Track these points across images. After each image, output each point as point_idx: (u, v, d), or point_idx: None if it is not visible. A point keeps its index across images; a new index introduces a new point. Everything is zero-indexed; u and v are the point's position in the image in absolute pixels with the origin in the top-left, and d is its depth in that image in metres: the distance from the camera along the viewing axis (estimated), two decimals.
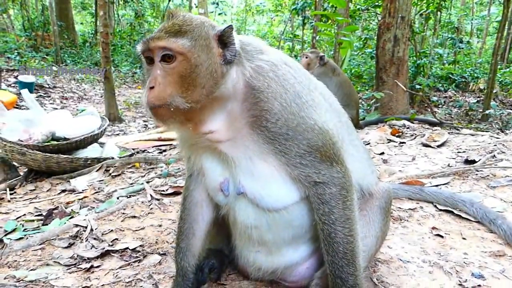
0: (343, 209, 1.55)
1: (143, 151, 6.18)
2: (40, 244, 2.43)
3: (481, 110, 12.27)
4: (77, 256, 2.26)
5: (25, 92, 5.37)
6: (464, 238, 2.38)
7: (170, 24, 1.49)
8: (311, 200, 1.57)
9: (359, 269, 1.60)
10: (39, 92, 12.22)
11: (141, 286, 1.94)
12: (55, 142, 4.93)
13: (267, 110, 1.49)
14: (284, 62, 1.63)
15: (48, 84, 13.38)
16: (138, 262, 2.20)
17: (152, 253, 2.31)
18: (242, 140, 1.54)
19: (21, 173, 4.91)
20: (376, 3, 16.04)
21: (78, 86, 14.66)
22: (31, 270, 2.12)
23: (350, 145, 1.78)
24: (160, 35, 1.45)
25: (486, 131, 6.24)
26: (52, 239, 2.48)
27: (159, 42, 1.43)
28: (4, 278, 2.01)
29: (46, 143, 4.83)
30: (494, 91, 14.06)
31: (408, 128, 6.04)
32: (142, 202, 3.17)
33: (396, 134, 5.53)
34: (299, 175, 1.54)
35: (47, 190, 4.38)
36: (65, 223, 2.79)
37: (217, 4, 20.22)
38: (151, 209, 3.05)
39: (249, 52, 1.59)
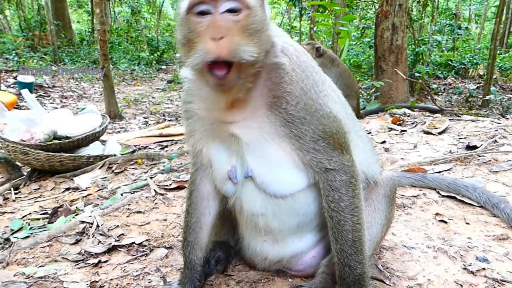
0: (352, 197, 1.57)
1: (145, 148, 6.20)
2: (47, 241, 2.45)
3: (481, 96, 12.24)
4: (85, 251, 2.28)
5: (25, 92, 5.38)
6: (467, 223, 2.40)
7: None
8: (321, 187, 1.58)
9: (366, 257, 1.63)
10: (38, 92, 12.22)
11: (149, 279, 1.96)
12: (57, 141, 4.95)
13: (289, 92, 1.51)
14: (303, 51, 1.66)
15: (47, 84, 13.36)
16: (145, 256, 2.22)
17: (159, 247, 2.33)
18: (258, 120, 1.55)
19: (25, 173, 4.94)
20: None
21: (77, 84, 14.64)
22: (40, 266, 2.14)
23: (355, 136, 1.80)
24: None
25: (487, 117, 6.24)
26: (59, 236, 2.50)
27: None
28: (14, 275, 2.03)
29: (48, 142, 4.85)
30: (494, 77, 14.01)
31: (408, 116, 6.04)
32: (147, 198, 3.19)
33: (397, 123, 5.54)
34: (311, 160, 1.55)
35: (51, 189, 4.41)
36: (70, 220, 2.81)
37: None
38: (155, 204, 3.07)
39: (275, 31, 1.60)
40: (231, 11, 1.34)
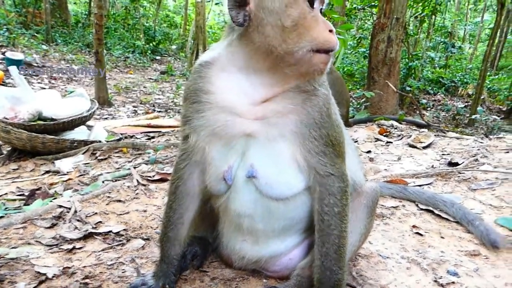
0: (345, 205, 1.64)
1: (131, 137, 6.14)
2: (22, 223, 2.41)
3: (468, 115, 12.47)
4: (60, 236, 2.25)
5: (13, 69, 5.26)
6: (442, 237, 2.44)
7: None
8: (317, 190, 1.62)
9: (346, 264, 1.68)
10: (27, 71, 12.01)
11: (123, 270, 1.94)
12: (42, 122, 4.86)
13: (326, 95, 1.62)
14: None
15: (37, 63, 13.14)
16: (121, 246, 2.21)
17: (136, 238, 2.31)
18: (285, 117, 1.58)
19: (4, 152, 4.84)
20: (373, 3, 16.09)
21: (68, 66, 14.42)
22: (12, 248, 2.10)
23: (347, 146, 1.82)
24: None
25: (471, 136, 6.35)
26: (35, 219, 2.46)
27: None
28: None
29: (32, 122, 4.76)
30: (482, 97, 14.30)
31: (396, 128, 6.12)
32: (128, 187, 3.17)
33: (384, 134, 5.60)
34: (317, 163, 1.60)
35: (31, 170, 4.34)
36: (47, 204, 2.77)
37: None
38: (136, 194, 3.05)
39: None
40: (321, 11, 1.55)
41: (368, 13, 18.04)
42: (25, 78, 5.50)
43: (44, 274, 1.84)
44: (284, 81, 1.55)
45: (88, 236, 2.28)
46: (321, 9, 1.55)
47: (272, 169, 1.61)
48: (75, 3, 28.23)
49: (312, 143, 1.58)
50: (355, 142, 5.07)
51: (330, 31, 1.46)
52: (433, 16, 16.24)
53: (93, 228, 2.38)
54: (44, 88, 10.09)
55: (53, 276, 1.84)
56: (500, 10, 12.83)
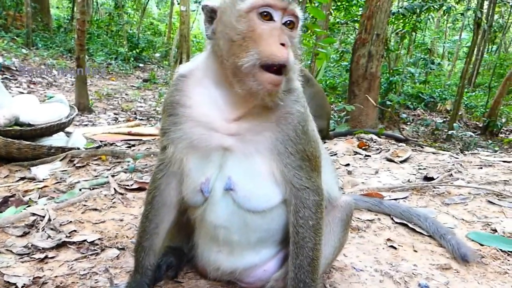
0: (320, 218, 1.66)
1: (111, 144, 6.06)
2: None
3: (446, 130, 12.78)
4: (32, 245, 2.20)
5: None
6: (415, 251, 2.49)
7: None
8: (293, 203, 1.64)
9: (319, 276, 1.70)
10: (5, 74, 11.75)
11: (96, 280, 1.92)
12: (18, 128, 4.76)
13: (302, 113, 1.62)
14: None
15: (15, 67, 12.88)
16: (95, 256, 2.17)
17: (111, 247, 2.28)
18: (261, 133, 1.59)
19: None
20: (355, 18, 16.45)
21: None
22: None
23: (323, 160, 1.85)
24: (294, 2, 1.49)
25: (447, 151, 6.51)
26: (6, 227, 2.41)
27: (296, 9, 1.49)
28: None
29: (8, 128, 4.65)
30: (460, 113, 14.70)
31: (375, 142, 6.22)
32: (105, 195, 3.13)
33: (363, 147, 5.69)
34: (294, 176, 1.61)
35: (5, 177, 4.23)
36: (21, 211, 2.71)
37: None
38: (113, 203, 3.02)
39: None
40: (288, 24, 1.49)
41: (351, 27, 18.43)
42: (2, 82, 5.40)
43: (14, 284, 1.80)
44: (244, 99, 1.54)
45: (61, 245, 2.24)
46: (288, 21, 1.48)
47: (249, 182, 1.63)
48: (57, 7, 27.94)
49: (289, 158, 1.60)
50: (334, 155, 5.14)
51: (282, 44, 1.40)
52: (414, 33, 16.68)
53: (67, 237, 2.34)
54: (23, 93, 9.89)
55: (23, 286, 1.80)
56: (476, 29, 13.30)
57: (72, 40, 17.44)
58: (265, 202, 1.66)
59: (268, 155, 1.61)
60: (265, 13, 1.43)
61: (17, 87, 11.15)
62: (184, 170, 1.71)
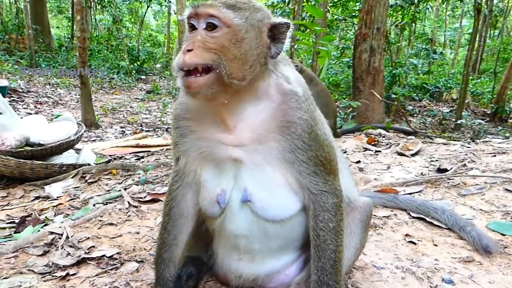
0: (340, 220, 1.65)
1: (120, 158, 6.11)
2: (13, 252, 2.37)
3: (454, 120, 12.68)
4: (52, 264, 2.22)
5: None
6: (435, 245, 2.46)
7: None
8: (311, 208, 1.63)
9: (342, 277, 1.68)
10: (12, 97, 11.90)
11: None
12: (29, 148, 4.81)
13: (305, 120, 1.57)
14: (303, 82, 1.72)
15: (21, 89, 13.03)
16: (115, 270, 2.18)
17: (130, 261, 2.28)
18: (266, 144, 1.58)
19: None
20: (353, 14, 16.41)
21: (53, 90, 14.33)
22: (4, 278, 2.06)
23: (340, 162, 1.85)
24: (212, 3, 1.46)
25: (458, 141, 6.45)
26: (26, 247, 2.42)
27: (209, 9, 1.44)
28: None
29: (20, 149, 4.70)
30: (466, 101, 14.57)
31: (383, 137, 6.19)
32: (120, 209, 3.14)
33: (372, 143, 5.66)
34: (309, 183, 1.61)
35: (20, 197, 4.27)
36: (38, 230, 2.73)
37: None
38: (128, 216, 3.03)
39: (285, 61, 1.67)
40: (211, 27, 1.44)
41: (350, 23, 18.37)
42: (10, 104, 5.46)
43: None
44: (225, 107, 1.55)
45: (81, 262, 2.25)
46: (208, 24, 1.45)
47: (266, 193, 1.62)
48: (57, 27, 28.29)
49: (302, 166, 1.59)
50: (344, 152, 5.11)
51: (188, 50, 1.42)
52: (413, 24, 16.59)
53: (86, 253, 2.35)
54: (30, 113, 10.00)
55: None
56: (477, 15, 13.19)
57: (74, 58, 17.62)
58: (284, 211, 1.65)
59: (279, 165, 1.60)
60: (190, 24, 1.51)
61: (24, 108, 11.29)
62: (200, 181, 1.72)
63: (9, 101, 10.04)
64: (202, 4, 1.45)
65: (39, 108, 11.71)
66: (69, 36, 22.34)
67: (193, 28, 1.49)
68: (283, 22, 1.50)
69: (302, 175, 1.60)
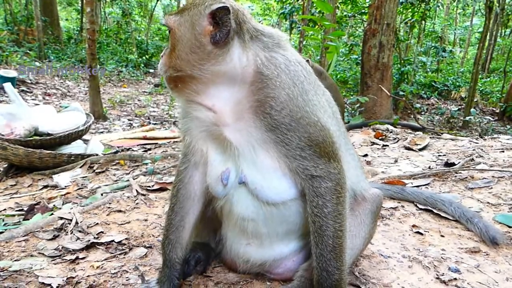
0: (336, 204, 1.61)
1: (128, 149, 6.14)
2: (24, 236, 2.41)
3: (462, 118, 12.59)
4: (62, 247, 2.25)
5: (7, 85, 5.28)
6: (442, 236, 2.46)
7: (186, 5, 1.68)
8: (306, 193, 1.61)
9: (344, 264, 1.66)
10: (21, 88, 12.01)
11: (127, 277, 1.95)
12: (38, 137, 4.87)
13: (273, 97, 1.54)
14: (298, 61, 1.68)
15: (30, 80, 13.14)
16: (124, 255, 2.21)
17: (138, 246, 2.31)
18: (246, 125, 1.58)
19: (1, 168, 4.83)
20: (363, 11, 16.32)
21: (61, 82, 14.43)
22: (15, 260, 2.10)
23: (347, 153, 1.85)
24: (170, 13, 1.67)
25: (466, 137, 6.41)
26: (36, 231, 2.46)
27: (163, 20, 1.65)
28: None
29: (29, 138, 4.76)
30: (475, 100, 14.46)
31: (391, 132, 6.17)
32: (128, 197, 3.17)
33: (380, 138, 5.65)
34: (297, 167, 1.58)
35: (28, 186, 4.33)
36: (47, 218, 2.76)
37: None
38: (136, 204, 3.05)
39: (265, 42, 1.64)
40: (169, 33, 1.64)
41: (359, 20, 18.29)
42: (19, 95, 5.51)
43: (49, 285, 1.84)
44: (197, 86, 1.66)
45: (90, 246, 2.28)
46: (169, 30, 1.65)
47: (258, 175, 1.63)
48: (66, 19, 28.40)
49: (285, 148, 1.56)
50: None
51: (162, 56, 1.66)
52: (423, 22, 16.47)
53: (95, 238, 2.38)
54: (38, 105, 10.08)
55: (57, 287, 1.84)
56: (488, 14, 13.06)
57: (83, 51, 17.72)
58: (278, 195, 1.64)
59: (265, 146, 1.59)
60: None
61: (33, 99, 11.39)
62: (208, 160, 1.75)
63: (18, 92, 10.12)
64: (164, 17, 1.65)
65: (47, 100, 11.81)
66: (78, 28, 22.41)
67: None
68: (219, 7, 1.51)
69: (290, 159, 1.58)
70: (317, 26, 10.35)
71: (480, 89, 17.27)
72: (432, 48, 19.25)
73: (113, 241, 2.36)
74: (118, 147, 5.99)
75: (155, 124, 9.97)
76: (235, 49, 1.57)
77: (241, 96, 1.58)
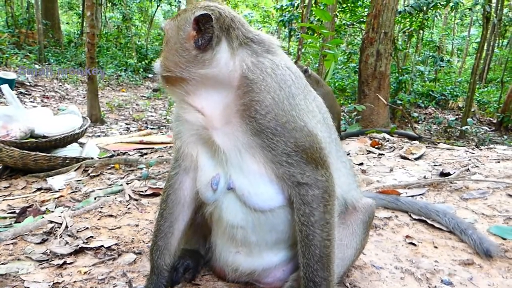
0: (324, 213, 1.57)
1: (124, 153, 6.12)
2: (12, 239, 2.38)
3: (459, 127, 12.61)
4: (50, 252, 2.22)
5: (5, 87, 5.26)
6: (436, 247, 2.44)
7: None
8: (293, 200, 1.58)
9: (332, 275, 1.62)
10: (19, 90, 11.99)
11: (114, 284, 1.92)
12: (34, 140, 4.84)
13: (257, 101, 1.53)
14: (287, 66, 1.67)
15: (29, 82, 13.13)
16: (113, 260, 2.18)
17: (127, 252, 2.28)
18: (233, 129, 1.58)
19: None
20: (361, 19, 16.40)
21: (60, 85, 14.42)
22: (2, 264, 2.07)
23: (338, 161, 1.82)
24: (170, 18, 1.79)
25: (462, 147, 6.41)
26: (25, 235, 2.43)
27: (162, 24, 1.74)
28: None
29: (24, 140, 4.73)
30: (472, 110, 14.50)
31: (387, 141, 6.16)
32: (120, 202, 3.15)
33: (376, 146, 5.63)
34: (283, 174, 1.56)
35: (22, 188, 4.29)
36: (39, 220, 2.73)
37: None
38: (128, 209, 3.03)
39: (254, 48, 1.65)
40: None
41: (357, 28, 18.37)
42: (17, 97, 5.49)
43: None
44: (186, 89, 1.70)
45: (79, 251, 2.25)
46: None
47: (245, 181, 1.61)
48: (67, 23, 28.47)
49: (271, 153, 1.54)
50: (347, 154, 5.09)
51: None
52: (421, 31, 16.55)
53: (84, 243, 2.35)
54: (36, 107, 10.06)
55: None
56: (485, 24, 13.13)
57: (83, 54, 17.73)
58: (266, 201, 1.61)
59: (251, 151, 1.57)
60: None
61: (31, 101, 11.36)
62: (198, 165, 1.74)
63: (16, 94, 10.11)
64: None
65: (45, 102, 11.78)
66: (79, 32, 22.46)
67: None
68: (201, 13, 1.56)
69: (276, 165, 1.55)
70: (315, 34, 10.37)
71: (478, 99, 17.32)
72: (430, 57, 19.34)
73: (102, 246, 2.32)
74: (114, 151, 5.96)
75: (152, 128, 9.95)
76: (223, 54, 1.59)
77: (229, 100, 1.59)
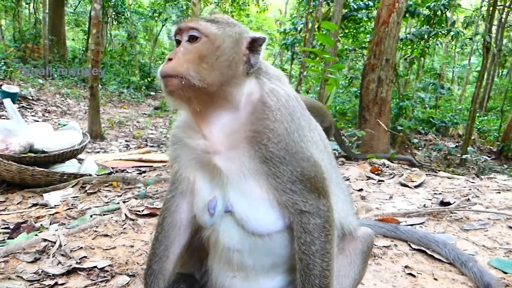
0: (325, 242, 1.57)
1: (122, 171, 6.09)
2: (3, 257, 2.33)
3: (459, 155, 12.61)
4: (42, 271, 2.17)
5: (7, 101, 5.29)
6: (435, 279, 2.39)
7: (206, 15, 1.67)
8: (294, 228, 1.57)
9: None
10: (21, 104, 12.04)
11: None
12: (32, 154, 4.82)
13: (271, 129, 1.53)
14: (295, 97, 1.69)
15: (32, 96, 13.20)
16: (105, 282, 2.13)
17: (121, 274, 2.24)
18: (239, 154, 1.56)
19: None
20: (363, 45, 16.64)
21: (62, 100, 14.50)
22: None
23: (336, 187, 1.82)
24: (192, 18, 1.61)
25: (462, 175, 6.38)
26: (18, 253, 2.39)
27: (189, 23, 1.57)
28: None
29: (23, 155, 4.71)
30: (472, 138, 14.53)
31: (387, 167, 6.14)
32: (116, 221, 3.10)
33: (376, 172, 5.61)
34: (286, 201, 1.55)
35: (18, 203, 4.25)
36: (32, 237, 2.69)
37: None
38: (124, 228, 2.98)
39: (270, 74, 1.68)
40: (192, 39, 1.55)
41: (359, 54, 18.62)
42: (19, 111, 5.51)
43: None
44: (197, 112, 1.62)
45: (71, 272, 2.20)
46: (190, 36, 1.56)
47: (245, 204, 1.58)
48: (73, 39, 28.88)
49: (275, 180, 1.54)
50: (347, 180, 5.06)
51: (169, 59, 1.53)
52: (422, 58, 16.76)
53: (77, 263, 2.30)
54: (38, 121, 10.09)
55: None
56: (486, 54, 13.31)
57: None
58: (265, 226, 1.59)
59: (255, 176, 1.55)
60: (177, 41, 1.62)
61: (32, 115, 11.40)
62: (194, 188, 1.71)
63: (18, 108, 10.17)
64: (184, 20, 1.60)
65: (47, 117, 11.82)
66: (84, 48, 22.76)
67: (178, 43, 1.61)
68: (262, 36, 1.59)
69: (279, 192, 1.55)
70: (317, 58, 10.51)
71: (478, 127, 17.40)
72: (431, 84, 19.54)
73: (95, 267, 2.28)
74: (112, 168, 5.93)
75: (152, 146, 9.94)
76: (251, 78, 1.62)
77: (238, 124, 1.57)
